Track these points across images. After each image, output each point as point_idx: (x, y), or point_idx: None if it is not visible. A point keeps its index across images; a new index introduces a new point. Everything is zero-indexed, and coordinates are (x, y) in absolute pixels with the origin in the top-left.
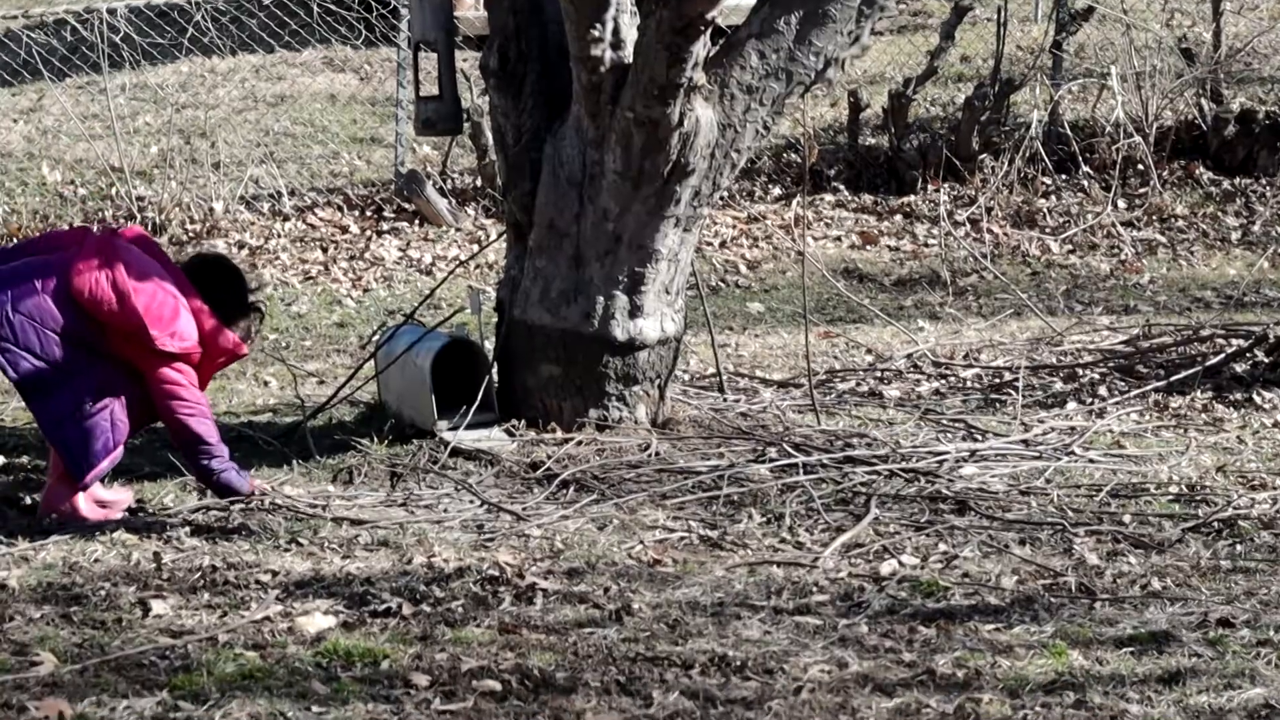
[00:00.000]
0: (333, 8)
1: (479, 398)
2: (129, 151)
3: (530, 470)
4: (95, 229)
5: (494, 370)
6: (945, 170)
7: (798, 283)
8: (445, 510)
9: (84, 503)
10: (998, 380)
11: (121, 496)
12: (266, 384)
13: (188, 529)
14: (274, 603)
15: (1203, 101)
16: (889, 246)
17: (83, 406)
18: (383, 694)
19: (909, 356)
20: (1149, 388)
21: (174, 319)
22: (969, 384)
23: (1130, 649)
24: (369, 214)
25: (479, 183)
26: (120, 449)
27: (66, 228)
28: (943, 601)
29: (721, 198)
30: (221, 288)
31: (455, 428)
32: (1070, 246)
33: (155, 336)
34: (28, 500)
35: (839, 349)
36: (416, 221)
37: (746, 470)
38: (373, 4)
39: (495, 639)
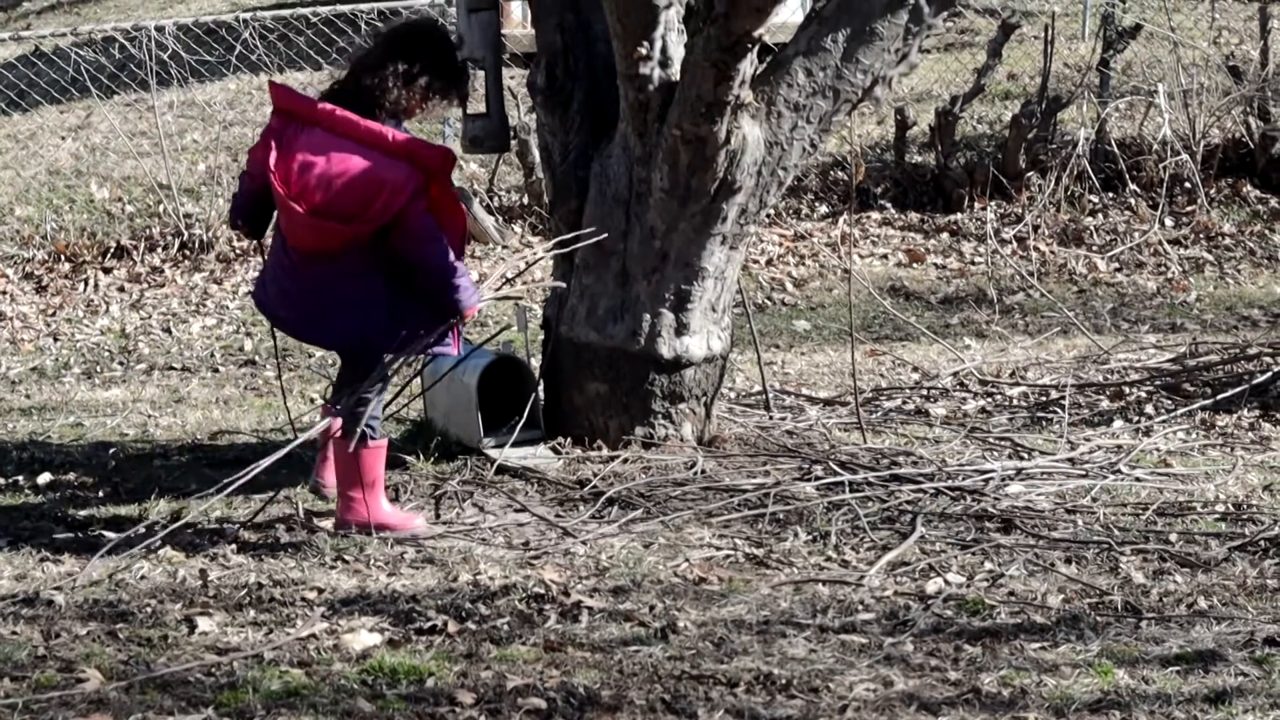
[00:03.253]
0: (380, 25)
1: (525, 415)
2: (176, 169)
3: (576, 488)
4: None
5: (540, 388)
6: (992, 188)
7: (844, 300)
8: (491, 528)
9: (385, 505)
10: (1044, 398)
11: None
12: (312, 400)
13: (234, 546)
14: (320, 620)
15: (1250, 119)
16: (935, 264)
17: (397, 305)
18: (428, 712)
19: (955, 374)
20: (1195, 406)
21: (376, 187)
22: (1015, 402)
23: (1176, 668)
24: None
25: (526, 200)
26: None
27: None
28: (988, 620)
29: (768, 215)
30: (393, 96)
31: (501, 445)
32: (1117, 264)
33: (381, 201)
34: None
35: (885, 367)
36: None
37: (792, 488)
38: None
39: (540, 657)
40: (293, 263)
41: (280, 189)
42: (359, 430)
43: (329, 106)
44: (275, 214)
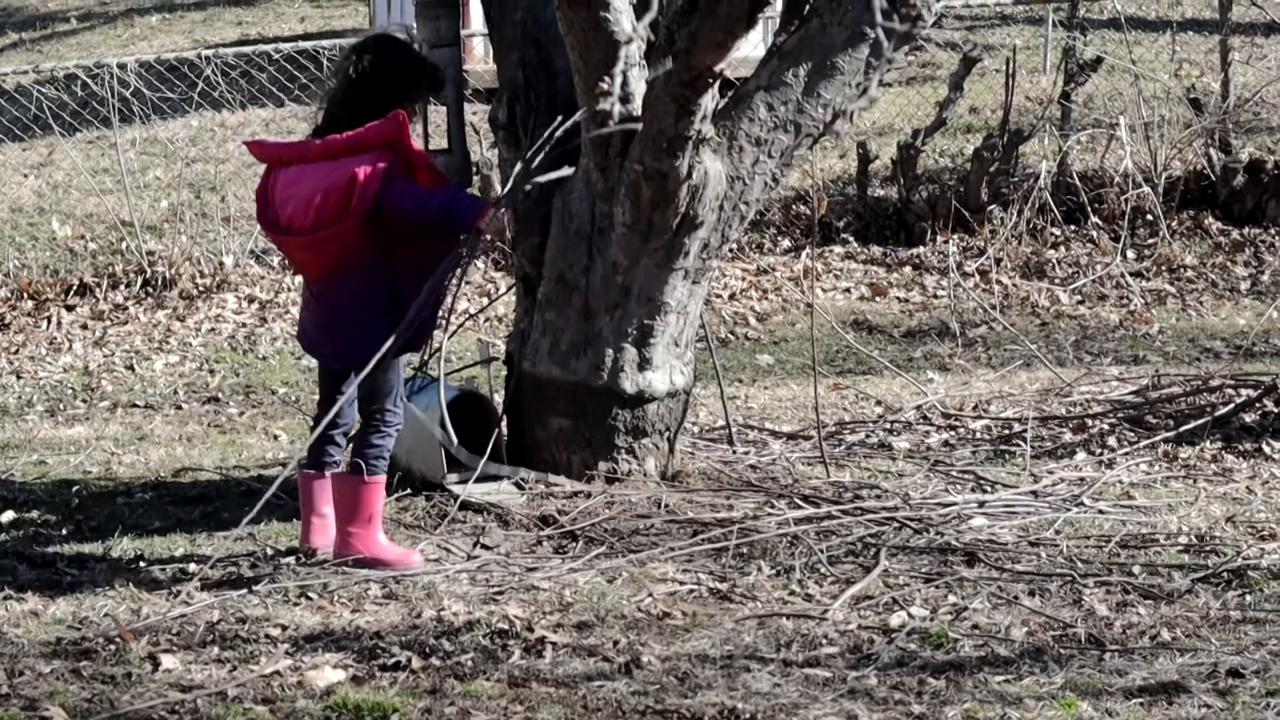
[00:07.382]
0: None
1: (488, 451)
2: (139, 206)
3: (540, 523)
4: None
5: (503, 423)
6: (954, 221)
7: (807, 335)
8: (454, 563)
9: (382, 540)
10: (1007, 431)
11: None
12: (276, 438)
13: (197, 583)
14: (283, 657)
15: (1211, 151)
16: (898, 298)
17: (387, 311)
18: None
19: (918, 408)
20: (1158, 438)
21: (346, 184)
22: (978, 435)
23: (1140, 700)
24: None
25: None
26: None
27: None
28: (952, 653)
29: (730, 250)
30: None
31: (464, 481)
32: (1079, 297)
33: (356, 193)
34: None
35: (848, 401)
36: None
37: (756, 523)
38: None
39: (505, 692)
40: (312, 295)
41: (270, 228)
42: (363, 463)
43: (292, 141)
44: None
